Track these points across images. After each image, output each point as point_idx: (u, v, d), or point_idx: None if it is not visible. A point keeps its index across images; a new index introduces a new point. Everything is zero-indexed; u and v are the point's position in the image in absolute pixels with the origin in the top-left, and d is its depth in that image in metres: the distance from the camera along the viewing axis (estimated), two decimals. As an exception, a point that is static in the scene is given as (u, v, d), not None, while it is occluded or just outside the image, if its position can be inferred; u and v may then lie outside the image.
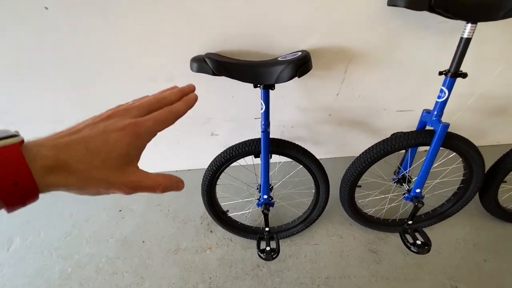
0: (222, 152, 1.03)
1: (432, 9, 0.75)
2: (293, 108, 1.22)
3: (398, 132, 0.99)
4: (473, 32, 0.78)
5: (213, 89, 1.12)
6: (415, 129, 1.00)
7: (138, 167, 0.27)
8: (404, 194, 1.11)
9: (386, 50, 1.03)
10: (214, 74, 0.83)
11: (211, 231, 1.25)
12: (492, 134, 1.46)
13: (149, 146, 0.28)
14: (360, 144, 1.41)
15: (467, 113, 1.33)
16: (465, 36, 0.79)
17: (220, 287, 1.06)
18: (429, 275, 1.05)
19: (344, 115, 1.27)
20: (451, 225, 1.20)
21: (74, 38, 0.92)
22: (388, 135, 0.99)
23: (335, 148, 1.46)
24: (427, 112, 0.96)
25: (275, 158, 1.06)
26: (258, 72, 0.84)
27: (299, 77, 0.82)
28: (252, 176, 1.26)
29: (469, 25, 0.77)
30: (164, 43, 0.95)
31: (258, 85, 0.89)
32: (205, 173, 1.07)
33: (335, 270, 1.09)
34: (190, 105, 0.31)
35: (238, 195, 1.33)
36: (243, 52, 0.97)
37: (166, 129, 0.28)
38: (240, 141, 1.01)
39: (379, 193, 1.24)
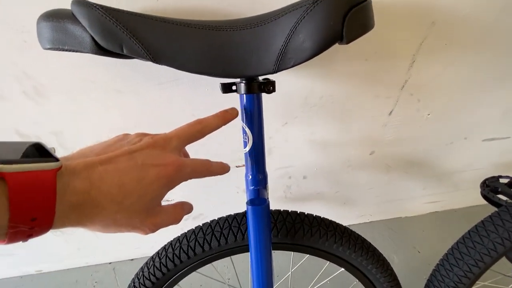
0: (160, 253, 0.44)
1: None
2: (306, 143, 0.67)
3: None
4: None
5: (134, 102, 0.54)
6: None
7: (161, 205, 0.25)
8: None
9: (503, 14, 0.52)
10: (101, 50, 0.29)
11: None
12: None
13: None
14: (415, 199, 0.85)
15: None
16: None
17: None
18: None
19: (395, 151, 0.72)
20: None
21: None
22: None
23: (375, 207, 0.88)
24: None
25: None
26: (232, 45, 0.31)
27: (348, 41, 0.28)
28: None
29: None
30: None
31: (234, 85, 0.35)
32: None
33: None
34: (226, 170, 0.30)
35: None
36: (194, 11, 0.44)
37: None
38: (201, 219, 0.43)
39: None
